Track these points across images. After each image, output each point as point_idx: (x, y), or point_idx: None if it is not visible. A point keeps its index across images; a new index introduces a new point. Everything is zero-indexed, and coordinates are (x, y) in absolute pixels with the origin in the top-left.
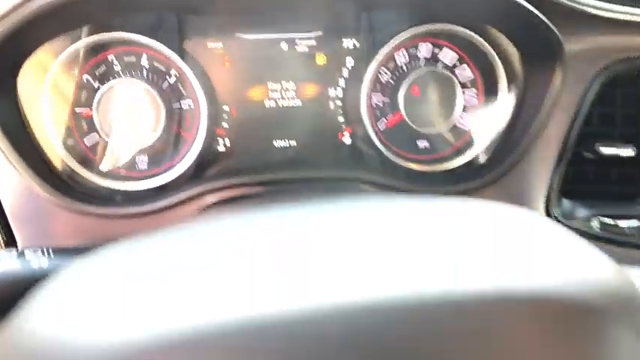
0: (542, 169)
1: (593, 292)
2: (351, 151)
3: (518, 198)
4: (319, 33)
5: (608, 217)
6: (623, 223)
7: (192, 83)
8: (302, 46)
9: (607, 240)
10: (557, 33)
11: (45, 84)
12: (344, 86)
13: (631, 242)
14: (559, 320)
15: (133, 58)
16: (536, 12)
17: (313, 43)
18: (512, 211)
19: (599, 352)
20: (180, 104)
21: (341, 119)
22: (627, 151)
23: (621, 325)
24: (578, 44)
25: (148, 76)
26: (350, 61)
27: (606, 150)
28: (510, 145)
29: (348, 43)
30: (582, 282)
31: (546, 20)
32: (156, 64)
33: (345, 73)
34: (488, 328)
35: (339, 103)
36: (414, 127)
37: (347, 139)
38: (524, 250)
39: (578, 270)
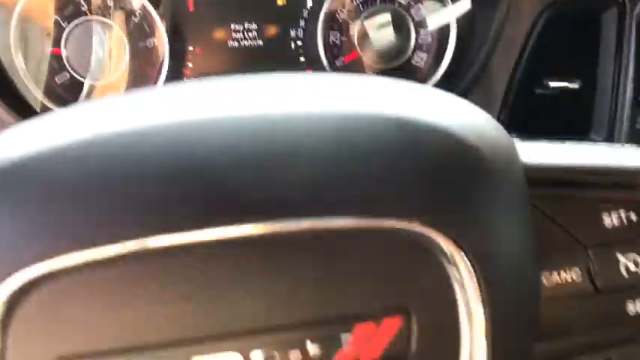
0: (490, 102)
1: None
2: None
3: None
4: None
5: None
6: None
7: (157, 23)
8: None
9: None
10: None
11: (14, 23)
12: (304, 26)
13: None
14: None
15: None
16: None
17: None
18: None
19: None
20: (145, 43)
21: (302, 59)
22: (574, 85)
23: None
24: None
25: (113, 15)
26: (309, 2)
27: (554, 84)
28: (459, 78)
29: None
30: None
31: None
32: (122, 4)
33: (305, 13)
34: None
35: (299, 43)
36: (369, 63)
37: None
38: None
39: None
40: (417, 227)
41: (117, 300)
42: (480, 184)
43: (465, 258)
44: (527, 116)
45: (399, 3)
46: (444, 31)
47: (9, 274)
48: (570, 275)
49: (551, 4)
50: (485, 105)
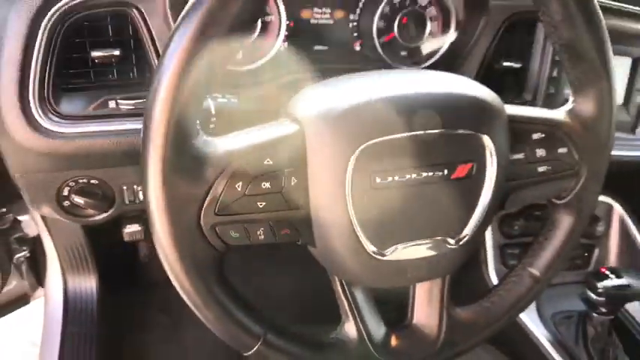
0: (470, 71)
1: (482, 94)
2: (361, 56)
3: None
4: None
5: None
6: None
7: (280, 8)
8: None
9: None
10: None
11: None
12: (360, 13)
13: None
14: (471, 106)
15: None
16: None
17: None
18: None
19: (483, 124)
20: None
21: (355, 34)
22: (517, 64)
23: (493, 114)
24: (496, 1)
25: None
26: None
27: (506, 63)
28: (453, 57)
29: None
30: (477, 90)
31: None
32: None
33: (361, 4)
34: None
35: (355, 24)
36: (401, 42)
37: (358, 47)
38: (455, 83)
39: (475, 87)
40: (471, 133)
41: None
42: (492, 113)
43: (490, 142)
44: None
45: (420, 5)
46: (445, 27)
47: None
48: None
49: (516, 13)
50: (467, 73)
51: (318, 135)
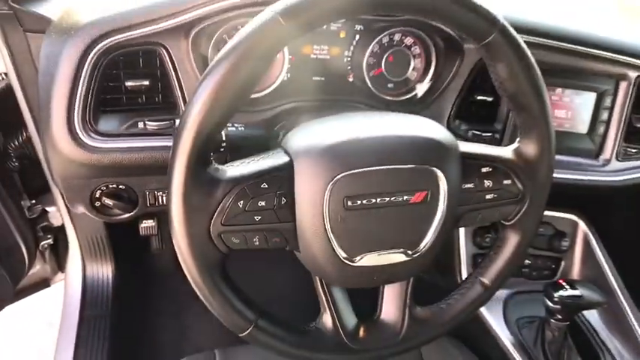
0: (448, 103)
1: (438, 135)
2: (353, 86)
3: (438, 116)
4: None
5: (477, 130)
6: (484, 133)
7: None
8: (334, 27)
9: (475, 140)
10: (460, 42)
11: None
12: (353, 50)
13: (487, 144)
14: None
15: None
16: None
17: (340, 26)
18: (417, 118)
19: (436, 157)
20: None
21: (349, 68)
22: (489, 98)
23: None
24: (470, 45)
25: None
26: (357, 38)
27: (480, 97)
28: (434, 90)
29: (358, 28)
30: (435, 132)
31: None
32: None
33: (354, 43)
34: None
35: (348, 59)
36: (387, 76)
37: (351, 79)
38: (419, 126)
39: (434, 129)
40: (426, 167)
41: None
42: (445, 151)
43: (442, 175)
44: (465, 113)
45: (406, 45)
46: (426, 70)
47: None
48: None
49: (480, 59)
50: (446, 103)
51: (304, 166)
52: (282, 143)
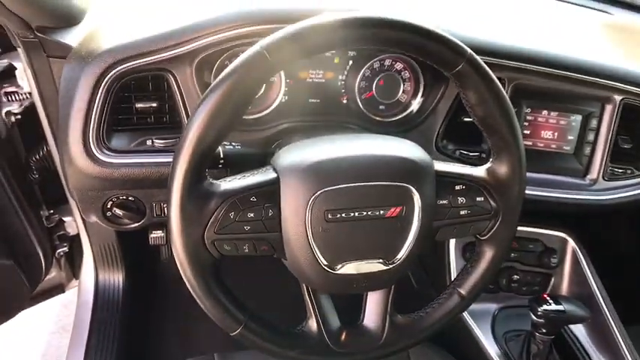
0: (436, 124)
1: (413, 155)
2: (346, 108)
3: (426, 136)
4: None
5: (464, 150)
6: (471, 153)
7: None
8: (328, 53)
9: (462, 161)
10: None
11: None
12: (346, 74)
13: (474, 163)
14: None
15: None
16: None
17: (334, 52)
18: (397, 139)
19: (409, 176)
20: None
21: (342, 91)
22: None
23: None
24: None
25: None
26: (350, 63)
27: (465, 118)
28: (423, 111)
29: (351, 54)
30: (411, 152)
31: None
32: None
33: (347, 67)
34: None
35: (342, 82)
36: (378, 99)
37: (345, 101)
38: (397, 147)
39: (410, 150)
40: (401, 184)
41: None
42: (419, 170)
43: (416, 192)
44: (453, 133)
45: (396, 69)
46: (415, 93)
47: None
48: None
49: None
50: (434, 124)
51: (289, 182)
52: (271, 161)
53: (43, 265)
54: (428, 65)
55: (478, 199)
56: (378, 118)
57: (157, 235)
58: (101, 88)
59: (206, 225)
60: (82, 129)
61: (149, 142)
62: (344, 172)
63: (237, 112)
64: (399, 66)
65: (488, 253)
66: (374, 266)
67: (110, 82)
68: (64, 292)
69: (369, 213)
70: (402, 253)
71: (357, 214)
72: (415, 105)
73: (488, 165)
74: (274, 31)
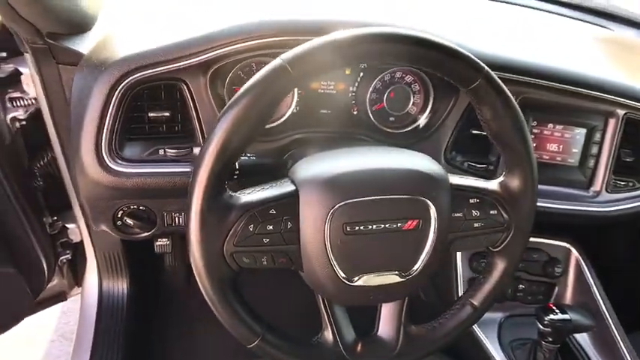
0: (445, 136)
1: (429, 169)
2: (357, 119)
3: (435, 148)
4: None
5: (472, 162)
6: (478, 165)
7: None
8: None
9: (471, 173)
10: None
11: None
12: (357, 86)
13: (482, 174)
14: (420, 178)
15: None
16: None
17: None
18: (412, 153)
19: (424, 191)
20: None
21: (353, 102)
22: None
23: (437, 184)
24: None
25: None
26: (361, 75)
27: (475, 131)
28: (432, 124)
29: (362, 66)
30: (427, 166)
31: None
32: None
33: (359, 79)
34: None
35: (353, 94)
36: (389, 111)
37: (355, 112)
38: (413, 160)
39: (426, 164)
40: (418, 198)
41: None
42: (436, 184)
43: (432, 205)
44: (461, 145)
45: (406, 82)
46: (424, 105)
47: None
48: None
49: None
50: (443, 136)
51: (308, 195)
52: (289, 173)
53: (46, 272)
54: (438, 78)
55: (492, 212)
56: (388, 130)
57: (162, 242)
58: (114, 97)
59: (225, 237)
60: (95, 138)
61: (161, 152)
62: (363, 185)
63: (259, 124)
64: (409, 78)
65: (500, 265)
66: (390, 278)
67: (124, 91)
68: (66, 299)
69: (387, 226)
70: (418, 265)
71: (374, 227)
72: (425, 117)
73: (501, 179)
74: (289, 43)
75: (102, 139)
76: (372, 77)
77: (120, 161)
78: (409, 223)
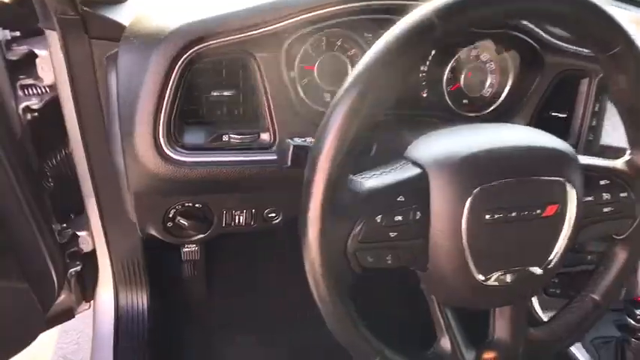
0: (523, 120)
1: (563, 147)
2: (427, 101)
3: None
4: None
5: None
6: None
7: None
8: None
9: None
10: (543, 55)
11: None
12: (428, 65)
13: None
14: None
15: None
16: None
17: None
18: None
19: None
20: None
21: (424, 83)
22: (563, 114)
23: (572, 163)
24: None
25: None
26: (433, 52)
27: (554, 113)
28: (509, 107)
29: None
30: (558, 143)
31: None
32: None
33: (430, 58)
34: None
35: (424, 74)
36: (465, 91)
37: (425, 94)
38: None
39: (556, 141)
40: (558, 179)
41: None
42: (572, 164)
43: (571, 187)
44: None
45: (482, 61)
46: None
47: None
48: None
49: (567, 70)
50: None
51: (440, 178)
52: (407, 154)
53: (56, 285)
54: (518, 55)
55: (622, 194)
56: (462, 112)
57: (190, 249)
58: (175, 70)
59: (350, 233)
60: (152, 123)
61: (225, 138)
62: (501, 165)
63: (391, 94)
64: (485, 58)
65: (622, 254)
66: (526, 273)
67: (185, 65)
68: (74, 317)
69: (527, 213)
70: (554, 257)
71: (515, 214)
72: (501, 100)
73: (627, 157)
74: (373, 9)
75: (159, 123)
76: (447, 55)
77: (180, 149)
78: (549, 208)
